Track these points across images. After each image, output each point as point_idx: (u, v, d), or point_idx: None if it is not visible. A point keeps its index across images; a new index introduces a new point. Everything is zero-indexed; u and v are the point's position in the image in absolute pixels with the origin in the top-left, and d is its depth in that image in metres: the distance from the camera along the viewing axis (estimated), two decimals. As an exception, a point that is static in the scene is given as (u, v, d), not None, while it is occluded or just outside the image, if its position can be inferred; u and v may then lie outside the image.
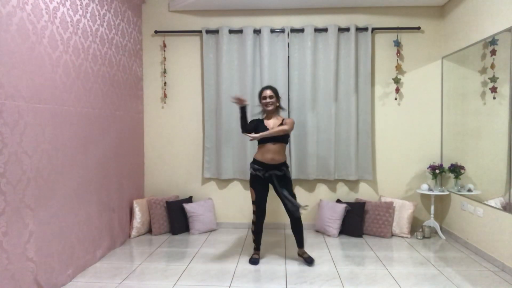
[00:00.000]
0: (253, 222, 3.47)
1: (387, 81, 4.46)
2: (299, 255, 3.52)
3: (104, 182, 3.61)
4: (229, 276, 3.14)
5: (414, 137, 4.46)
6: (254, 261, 3.44)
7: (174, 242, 4.01)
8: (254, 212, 3.46)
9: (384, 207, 4.19)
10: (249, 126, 3.39)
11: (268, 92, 3.44)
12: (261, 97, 3.48)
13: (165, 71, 4.59)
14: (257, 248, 3.53)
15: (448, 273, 3.19)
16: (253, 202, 3.45)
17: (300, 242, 3.51)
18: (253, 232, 3.51)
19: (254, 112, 4.42)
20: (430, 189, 4.22)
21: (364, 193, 4.52)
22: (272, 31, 4.41)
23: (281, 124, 3.40)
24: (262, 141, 3.39)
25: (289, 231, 3.80)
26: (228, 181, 4.60)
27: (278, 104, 3.50)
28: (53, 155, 2.82)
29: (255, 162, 3.44)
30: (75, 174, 3.11)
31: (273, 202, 4.59)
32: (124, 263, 3.43)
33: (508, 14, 3.19)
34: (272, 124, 3.42)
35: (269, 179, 3.41)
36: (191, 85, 4.61)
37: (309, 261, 3.40)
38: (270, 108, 3.44)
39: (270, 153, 3.36)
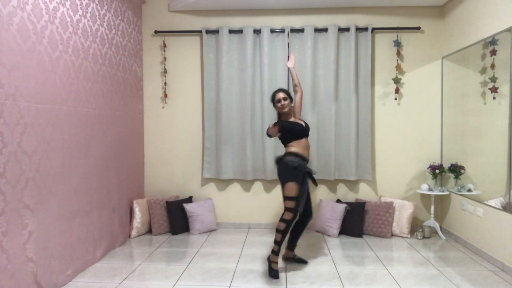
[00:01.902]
0: (286, 221, 3.05)
1: (387, 81, 4.46)
2: (292, 258, 3.39)
3: (104, 182, 3.60)
4: (229, 276, 3.14)
5: (414, 137, 4.46)
6: (275, 274, 3.08)
7: (174, 242, 4.01)
8: (290, 210, 3.05)
9: (384, 207, 4.18)
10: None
11: (281, 95, 3.31)
12: (274, 100, 3.33)
13: (165, 71, 4.59)
14: (278, 252, 3.15)
15: (448, 273, 3.19)
16: (293, 198, 3.06)
17: (295, 245, 3.39)
18: (282, 232, 3.07)
19: (254, 111, 4.44)
20: (430, 189, 4.22)
21: (364, 193, 4.52)
22: (272, 31, 4.41)
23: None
24: (297, 137, 3.22)
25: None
26: (228, 181, 4.60)
27: (292, 105, 3.36)
28: (53, 155, 2.82)
29: (295, 155, 3.15)
30: (75, 174, 3.11)
31: (274, 201, 4.60)
32: (124, 263, 3.43)
33: (508, 14, 3.19)
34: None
35: (303, 175, 3.18)
36: (191, 85, 4.61)
37: (303, 260, 3.39)
38: (286, 110, 3.29)
39: (307, 149, 3.24)
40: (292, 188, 3.07)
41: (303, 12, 4.49)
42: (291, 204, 3.07)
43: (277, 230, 3.11)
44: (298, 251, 3.56)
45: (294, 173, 3.10)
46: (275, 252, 3.15)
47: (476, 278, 3.08)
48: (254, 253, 3.70)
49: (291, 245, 3.38)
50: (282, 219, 3.09)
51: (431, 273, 3.19)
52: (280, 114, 3.40)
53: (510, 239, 3.17)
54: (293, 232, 3.34)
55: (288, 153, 3.19)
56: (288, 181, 3.09)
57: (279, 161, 3.22)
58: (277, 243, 3.12)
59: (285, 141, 3.28)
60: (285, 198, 3.10)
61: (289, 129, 3.22)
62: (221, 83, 4.42)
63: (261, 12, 4.51)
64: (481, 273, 3.20)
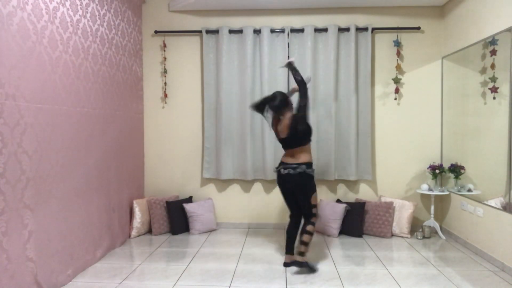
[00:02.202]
0: (315, 225, 3.28)
1: (387, 81, 4.46)
2: (293, 262, 3.27)
3: (104, 182, 3.60)
4: (229, 276, 3.14)
5: (414, 137, 4.46)
6: (315, 266, 3.29)
7: (174, 242, 4.01)
8: (315, 215, 3.28)
9: (384, 207, 4.18)
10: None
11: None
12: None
13: (165, 71, 4.59)
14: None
15: (448, 273, 3.19)
16: (316, 205, 3.30)
17: (294, 248, 3.40)
18: (313, 234, 3.27)
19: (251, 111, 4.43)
20: (430, 189, 4.22)
21: (364, 193, 4.52)
22: (272, 31, 4.41)
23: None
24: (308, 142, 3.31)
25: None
26: (228, 181, 4.60)
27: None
28: (53, 155, 2.82)
29: (312, 164, 3.29)
30: (75, 174, 3.11)
31: (274, 201, 4.60)
32: (124, 263, 3.43)
33: (508, 14, 3.19)
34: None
35: None
36: (191, 85, 4.61)
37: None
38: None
39: None
40: (316, 197, 3.32)
41: (303, 12, 4.49)
42: (316, 210, 3.30)
43: (310, 233, 3.22)
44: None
45: (315, 183, 3.31)
46: (304, 254, 3.22)
47: (476, 278, 3.08)
48: (254, 253, 3.70)
49: (291, 249, 3.37)
50: (312, 223, 3.23)
51: (431, 273, 3.19)
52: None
53: (510, 239, 3.17)
54: (290, 237, 3.38)
55: (309, 164, 3.24)
56: (314, 191, 3.28)
57: (304, 173, 3.19)
58: (308, 244, 3.23)
59: (305, 141, 3.26)
60: (313, 206, 3.26)
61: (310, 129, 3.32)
62: (221, 83, 4.42)
63: (261, 12, 4.51)
64: (481, 273, 3.20)
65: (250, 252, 3.71)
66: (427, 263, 3.42)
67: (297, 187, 3.25)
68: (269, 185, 4.56)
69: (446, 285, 2.95)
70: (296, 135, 3.22)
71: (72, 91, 3.08)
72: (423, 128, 4.45)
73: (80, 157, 3.18)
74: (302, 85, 3.28)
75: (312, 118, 4.36)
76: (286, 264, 3.33)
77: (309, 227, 3.22)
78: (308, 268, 3.20)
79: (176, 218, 4.31)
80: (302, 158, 3.22)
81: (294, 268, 3.27)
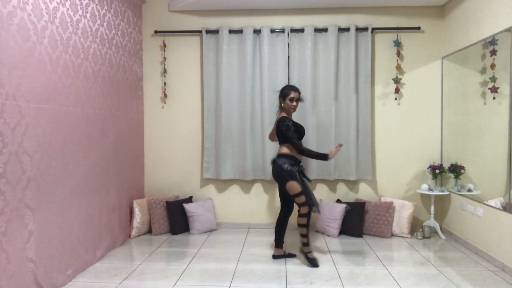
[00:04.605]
0: (305, 215, 3.38)
1: (387, 81, 4.46)
2: (282, 255, 3.56)
3: (104, 182, 3.60)
4: (229, 276, 3.14)
5: (414, 137, 4.46)
6: (316, 263, 3.36)
7: (174, 242, 4.01)
8: (303, 204, 3.36)
9: (384, 207, 4.18)
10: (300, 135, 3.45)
11: (297, 95, 3.43)
12: (288, 96, 3.40)
13: (165, 71, 4.59)
14: (309, 242, 3.45)
15: (448, 273, 3.19)
16: (299, 194, 3.37)
17: (283, 242, 3.61)
18: (306, 225, 3.40)
19: (254, 111, 4.43)
20: (430, 189, 4.22)
21: (364, 193, 4.52)
22: (272, 31, 4.41)
23: None
24: (288, 141, 3.38)
25: (289, 230, 3.77)
26: (228, 181, 4.60)
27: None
28: (53, 155, 2.82)
29: (291, 157, 3.38)
30: (75, 174, 3.11)
31: (273, 201, 4.60)
32: (124, 263, 3.42)
33: (508, 14, 3.19)
34: None
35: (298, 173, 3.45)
36: (191, 85, 4.61)
37: (292, 254, 3.56)
38: (294, 111, 3.51)
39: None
40: (295, 186, 3.30)
41: (303, 12, 4.49)
42: (300, 199, 3.31)
43: (301, 225, 3.34)
44: (297, 250, 3.58)
45: (290, 172, 3.34)
46: (306, 244, 3.38)
47: (476, 278, 3.08)
48: (254, 253, 3.70)
49: (280, 243, 3.55)
50: (301, 215, 3.34)
51: (431, 273, 3.19)
52: (282, 108, 3.48)
53: (510, 239, 3.17)
54: (279, 230, 3.56)
55: (283, 155, 3.39)
56: (288, 180, 3.31)
57: (275, 163, 3.43)
58: (305, 236, 3.36)
59: (286, 140, 3.40)
60: (293, 196, 3.33)
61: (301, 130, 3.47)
62: (220, 83, 4.42)
63: (261, 12, 4.51)
64: (481, 273, 3.21)
65: (250, 252, 3.71)
66: (427, 263, 3.42)
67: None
68: (269, 185, 4.56)
69: (446, 285, 2.95)
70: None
71: (72, 91, 3.08)
72: (423, 128, 4.45)
73: (80, 157, 3.18)
74: (312, 156, 3.34)
75: (312, 118, 4.37)
76: (273, 257, 3.51)
77: (300, 220, 3.36)
78: (307, 259, 3.38)
79: (176, 218, 4.31)
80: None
81: (293, 267, 3.28)
